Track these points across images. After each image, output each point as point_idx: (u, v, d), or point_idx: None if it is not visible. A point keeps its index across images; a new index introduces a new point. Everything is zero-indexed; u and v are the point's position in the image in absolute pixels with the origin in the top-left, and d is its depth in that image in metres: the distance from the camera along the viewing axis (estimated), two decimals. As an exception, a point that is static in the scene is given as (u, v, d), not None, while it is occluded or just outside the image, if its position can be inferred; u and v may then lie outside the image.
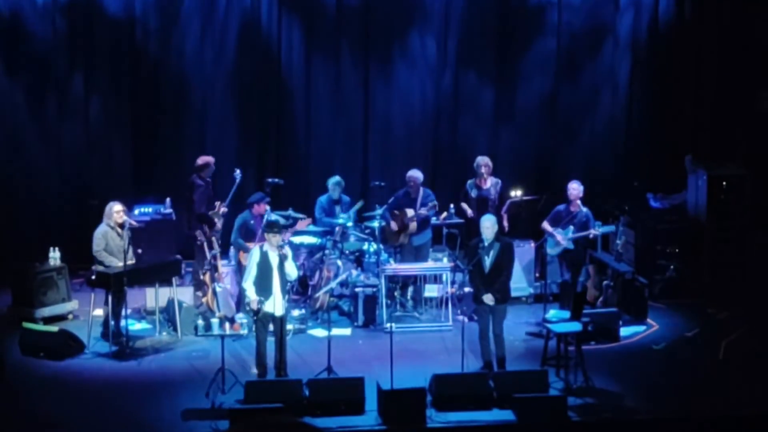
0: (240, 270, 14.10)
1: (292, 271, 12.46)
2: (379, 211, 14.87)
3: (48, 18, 16.62)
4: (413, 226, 14.98)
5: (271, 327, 12.33)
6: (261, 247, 12.37)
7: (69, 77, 16.81)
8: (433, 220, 15.21)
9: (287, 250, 12.39)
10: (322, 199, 15.41)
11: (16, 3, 16.54)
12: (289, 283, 12.67)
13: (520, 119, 17.68)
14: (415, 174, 15.09)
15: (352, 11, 17.23)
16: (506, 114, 17.67)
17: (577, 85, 17.72)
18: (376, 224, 14.86)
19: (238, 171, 15.36)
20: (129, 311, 13.83)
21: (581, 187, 14.43)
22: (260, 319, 12.27)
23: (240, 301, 13.99)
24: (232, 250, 14.88)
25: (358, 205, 15.34)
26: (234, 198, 15.08)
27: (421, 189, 15.10)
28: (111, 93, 16.98)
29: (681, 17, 17.66)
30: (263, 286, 12.21)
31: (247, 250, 13.51)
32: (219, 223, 14.95)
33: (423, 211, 14.85)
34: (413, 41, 17.42)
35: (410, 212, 14.95)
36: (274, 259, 12.24)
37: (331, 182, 15.37)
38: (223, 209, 14.92)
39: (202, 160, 15.41)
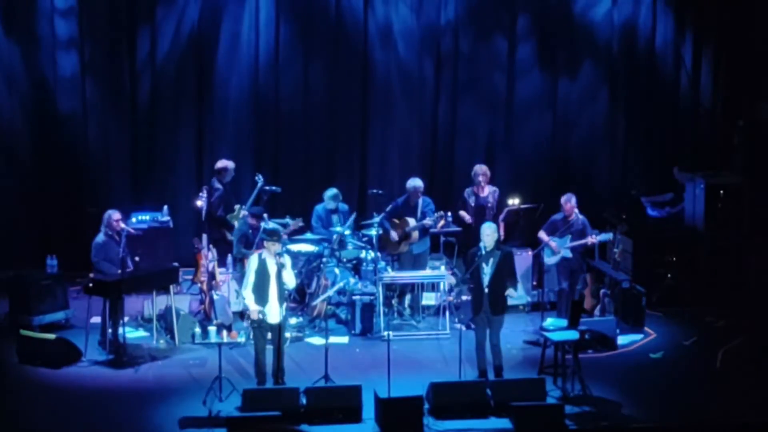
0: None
1: (290, 280, 12.46)
2: (376, 219, 14.86)
3: (48, 22, 16.64)
4: (415, 235, 14.97)
5: (269, 335, 12.34)
6: (260, 255, 12.38)
7: (67, 84, 16.81)
8: (432, 227, 15.17)
9: (285, 259, 12.39)
10: (319, 208, 15.40)
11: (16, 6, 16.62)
12: (286, 291, 12.66)
13: (517, 127, 17.70)
14: (416, 183, 15.08)
15: (350, 18, 17.24)
16: (503, 121, 17.70)
17: (574, 94, 17.73)
18: (373, 232, 14.86)
19: (259, 176, 15.43)
20: (126, 319, 13.82)
21: (574, 199, 14.41)
22: (258, 327, 12.27)
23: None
24: (230, 258, 14.89)
25: (352, 217, 15.33)
26: (254, 202, 15.14)
27: (421, 197, 15.10)
28: (109, 100, 16.97)
29: (680, 26, 17.68)
30: (260, 294, 12.22)
31: (247, 257, 13.57)
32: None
33: (429, 221, 14.83)
34: (411, 48, 17.42)
35: (411, 221, 14.93)
36: (272, 267, 12.25)
37: (328, 195, 15.34)
38: (243, 213, 14.96)
39: (221, 163, 15.52)
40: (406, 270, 14.93)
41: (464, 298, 14.44)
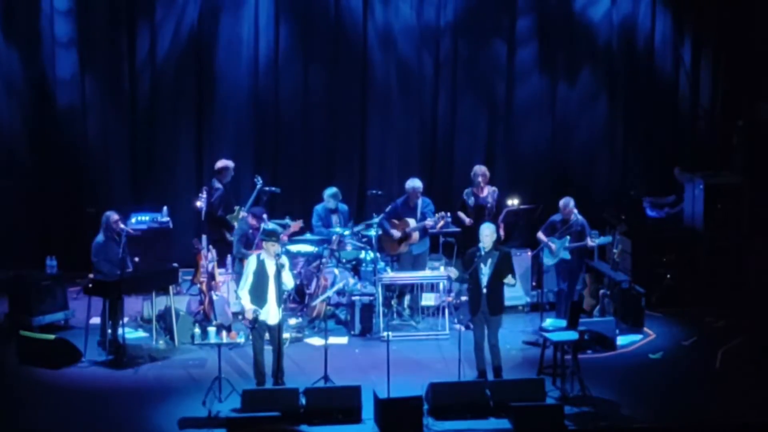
0: None
1: (289, 281, 12.47)
2: (375, 220, 14.86)
3: (48, 23, 16.65)
4: (415, 236, 14.96)
5: (267, 336, 12.35)
6: (258, 256, 12.39)
7: (67, 84, 16.82)
8: (432, 228, 15.15)
9: (284, 260, 12.40)
10: (318, 208, 15.41)
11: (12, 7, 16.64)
12: (285, 293, 12.66)
13: (516, 128, 17.71)
14: (416, 183, 15.07)
15: (350, 19, 17.25)
16: (503, 121, 17.71)
17: (574, 94, 17.73)
18: (372, 233, 14.86)
19: (258, 177, 15.44)
20: (126, 319, 13.83)
21: (572, 202, 14.42)
22: (256, 328, 12.28)
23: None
24: (229, 258, 14.90)
25: (356, 228, 15.33)
26: (254, 204, 15.15)
27: (420, 198, 15.10)
28: (109, 100, 17.00)
29: (679, 26, 17.68)
30: (259, 295, 12.23)
31: (246, 257, 13.61)
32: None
33: (430, 222, 14.81)
34: (411, 49, 17.43)
35: (412, 222, 14.92)
36: (270, 268, 12.26)
37: (327, 193, 15.36)
38: (243, 214, 14.96)
39: (220, 163, 15.54)
40: (406, 270, 14.93)
41: (463, 298, 14.43)
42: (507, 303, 12.91)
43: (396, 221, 14.99)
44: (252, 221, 14.48)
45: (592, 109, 17.82)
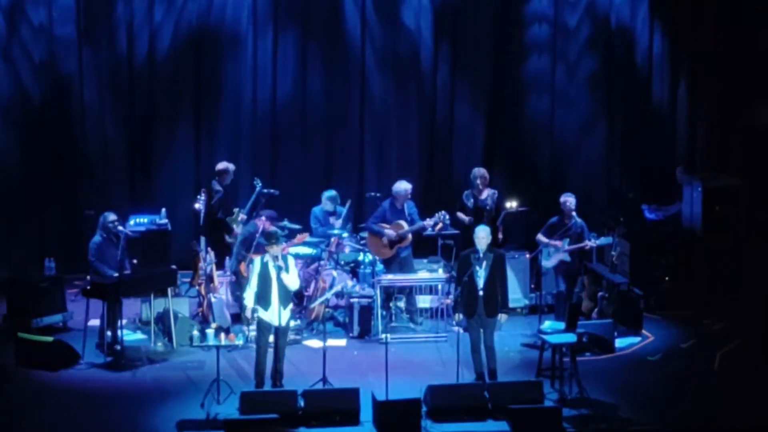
0: (238, 280, 14.20)
1: (291, 282, 12.41)
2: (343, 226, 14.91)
3: (45, 29, 16.65)
4: (410, 238, 14.95)
5: (271, 337, 12.34)
6: (262, 258, 12.39)
7: (65, 85, 16.82)
8: (429, 230, 15.14)
9: (290, 261, 12.37)
10: (316, 210, 15.41)
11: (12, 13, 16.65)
12: (290, 294, 12.62)
13: (516, 130, 17.72)
14: (407, 185, 15.00)
15: (349, 21, 17.27)
16: (502, 124, 17.72)
17: (574, 96, 17.74)
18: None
19: (257, 180, 15.42)
20: (124, 321, 13.82)
21: (574, 199, 14.44)
22: (260, 328, 12.29)
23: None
24: (227, 260, 14.89)
25: (346, 209, 15.28)
26: (253, 206, 15.14)
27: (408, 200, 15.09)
28: (107, 102, 17.00)
29: (677, 28, 17.69)
30: (263, 297, 12.25)
31: (245, 259, 13.60)
32: (237, 230, 14.93)
33: (429, 222, 14.79)
34: (409, 49, 17.44)
35: (404, 224, 14.88)
36: (273, 271, 12.25)
37: (326, 197, 15.35)
38: (242, 216, 14.94)
39: (221, 165, 15.53)
40: (393, 273, 14.84)
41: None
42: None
43: (385, 225, 14.90)
44: (267, 224, 14.36)
45: (590, 112, 17.81)
